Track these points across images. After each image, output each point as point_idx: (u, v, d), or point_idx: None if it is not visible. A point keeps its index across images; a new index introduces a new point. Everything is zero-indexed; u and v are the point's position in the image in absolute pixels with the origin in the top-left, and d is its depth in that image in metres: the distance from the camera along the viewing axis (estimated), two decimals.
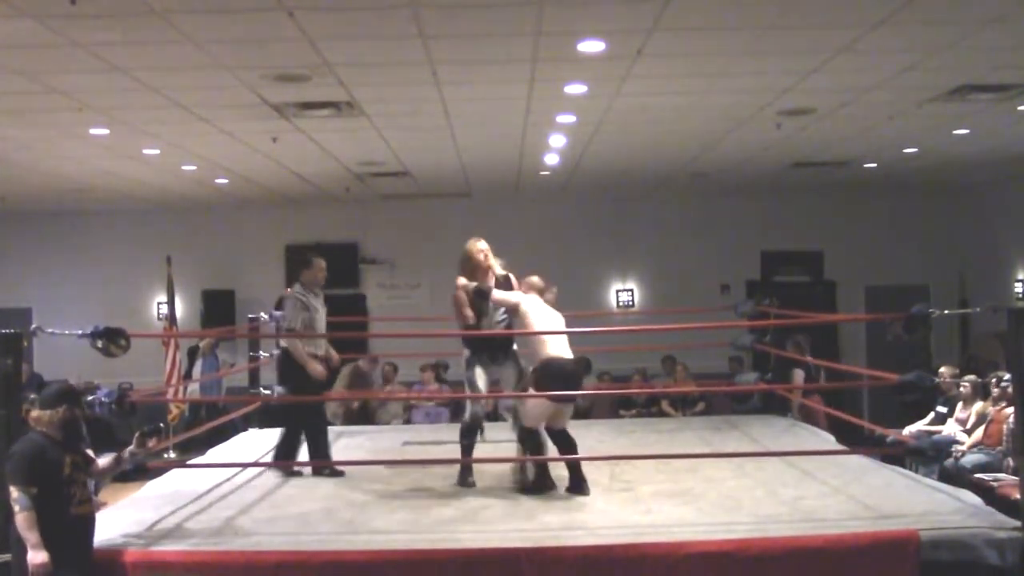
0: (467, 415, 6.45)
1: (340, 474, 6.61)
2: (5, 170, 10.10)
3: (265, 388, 8.29)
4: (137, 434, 4.89)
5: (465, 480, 6.26)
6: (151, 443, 4.96)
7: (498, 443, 7.76)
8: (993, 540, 4.70)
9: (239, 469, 6.76)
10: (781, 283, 13.43)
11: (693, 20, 5.66)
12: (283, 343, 6.89)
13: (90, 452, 4.85)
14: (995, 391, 7.97)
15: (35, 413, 4.60)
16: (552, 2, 5.27)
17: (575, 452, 6.07)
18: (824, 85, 7.23)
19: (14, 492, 4.37)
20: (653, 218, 14.04)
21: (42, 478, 4.41)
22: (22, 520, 4.34)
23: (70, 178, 10.78)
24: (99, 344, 5.37)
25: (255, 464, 7.05)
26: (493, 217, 13.85)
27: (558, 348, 5.98)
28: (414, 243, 13.97)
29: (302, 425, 6.79)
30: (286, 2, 5.17)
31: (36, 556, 4.31)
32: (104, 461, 4.93)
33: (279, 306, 11.13)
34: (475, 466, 6.52)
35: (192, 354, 12.65)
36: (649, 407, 11.16)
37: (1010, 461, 7.15)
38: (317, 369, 6.72)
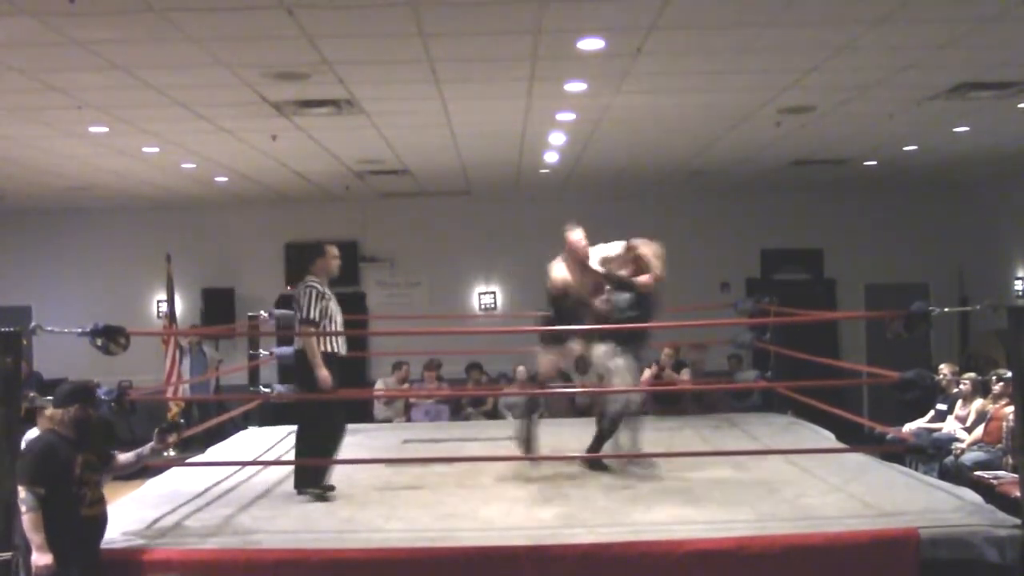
0: (619, 405, 6.45)
1: (331, 489, 5.95)
2: (5, 168, 10.10)
3: (265, 387, 8.31)
4: (157, 430, 4.89)
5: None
6: (171, 439, 4.96)
7: (497, 441, 7.77)
8: (993, 538, 4.69)
9: (238, 467, 6.75)
10: (781, 281, 13.43)
11: (693, 18, 5.66)
12: (299, 341, 6.08)
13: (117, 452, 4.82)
14: (995, 388, 7.97)
15: (48, 412, 4.57)
16: (552, 0, 5.27)
17: None
18: (824, 83, 7.23)
19: (21, 492, 4.34)
20: (653, 216, 13.99)
21: (51, 478, 4.36)
22: (27, 521, 4.30)
23: (69, 176, 10.78)
24: (99, 342, 5.36)
25: (254, 463, 7.05)
26: (493, 215, 13.86)
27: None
28: (414, 241, 13.96)
29: (316, 432, 6.05)
30: (285, 0, 5.16)
31: (40, 558, 4.26)
32: (125, 457, 4.91)
33: (279, 304, 11.17)
34: (476, 465, 6.53)
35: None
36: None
37: (1010, 459, 7.15)
38: (324, 377, 5.92)
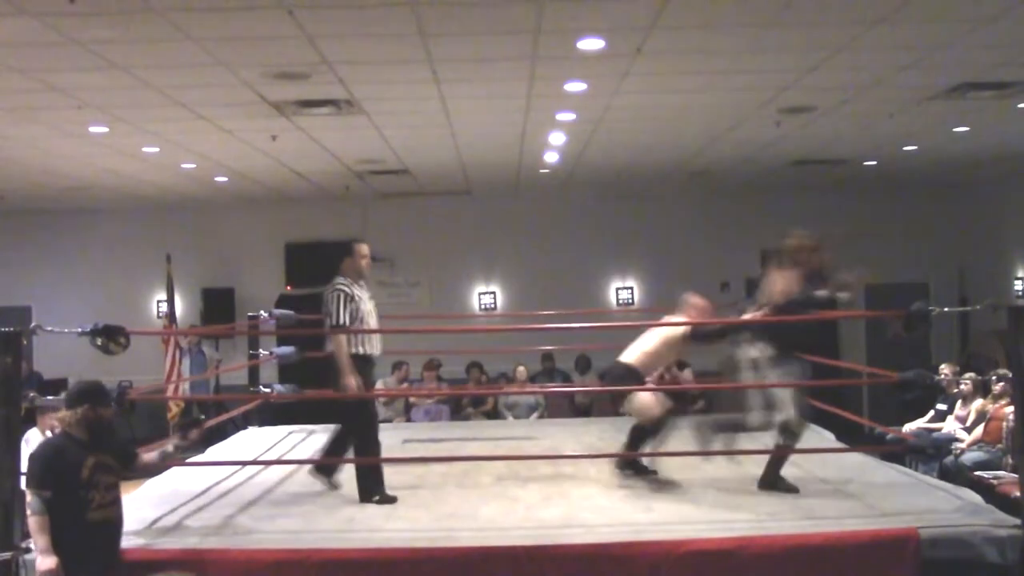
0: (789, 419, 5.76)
1: (338, 487, 6.09)
2: (4, 168, 10.10)
3: (265, 387, 8.31)
4: (179, 426, 4.88)
5: (788, 486, 5.76)
6: (192, 434, 4.95)
7: (497, 441, 7.78)
8: (993, 538, 4.69)
9: (238, 467, 6.75)
10: None
11: (692, 18, 5.66)
12: (329, 345, 5.90)
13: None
14: (995, 388, 7.98)
15: (59, 413, 4.52)
16: (552, 0, 5.27)
17: None
18: (824, 83, 7.23)
19: (28, 495, 4.30)
20: (653, 216, 14.03)
21: (57, 481, 4.28)
22: (32, 524, 4.25)
23: (69, 176, 10.78)
24: (98, 342, 5.35)
25: (254, 462, 7.05)
26: (493, 215, 13.87)
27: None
28: (414, 241, 13.97)
29: (354, 432, 6.04)
30: (285, 0, 5.17)
31: (43, 562, 4.20)
32: (149, 457, 4.89)
33: (280, 304, 11.16)
34: (476, 465, 6.52)
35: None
36: None
37: (1010, 459, 7.15)
38: (350, 384, 5.75)
